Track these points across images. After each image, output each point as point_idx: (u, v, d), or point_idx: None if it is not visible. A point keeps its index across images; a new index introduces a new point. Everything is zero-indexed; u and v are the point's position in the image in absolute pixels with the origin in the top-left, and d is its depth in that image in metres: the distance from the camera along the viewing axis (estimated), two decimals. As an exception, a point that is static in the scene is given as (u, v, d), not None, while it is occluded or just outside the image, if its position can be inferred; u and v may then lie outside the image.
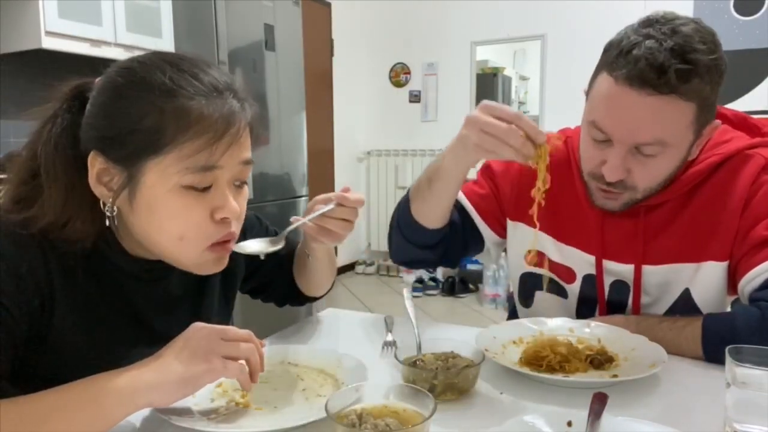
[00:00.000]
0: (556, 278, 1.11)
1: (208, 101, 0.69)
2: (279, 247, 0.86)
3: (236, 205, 0.74)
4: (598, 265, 1.05)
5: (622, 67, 0.86)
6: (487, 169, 1.19)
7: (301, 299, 1.10)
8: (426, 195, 1.06)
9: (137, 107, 0.68)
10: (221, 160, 0.70)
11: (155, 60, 0.72)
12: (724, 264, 0.98)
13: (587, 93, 0.97)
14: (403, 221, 1.12)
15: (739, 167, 0.97)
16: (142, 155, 0.68)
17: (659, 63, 0.83)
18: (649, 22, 0.88)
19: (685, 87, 0.84)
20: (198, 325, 0.70)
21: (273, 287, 1.08)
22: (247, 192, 0.78)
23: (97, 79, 0.74)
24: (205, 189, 0.71)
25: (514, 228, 1.15)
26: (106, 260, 0.76)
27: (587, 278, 1.07)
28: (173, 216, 0.71)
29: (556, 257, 1.10)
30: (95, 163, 0.70)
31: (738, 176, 0.96)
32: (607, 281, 1.06)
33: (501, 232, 1.18)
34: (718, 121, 0.94)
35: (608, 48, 0.91)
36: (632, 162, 0.91)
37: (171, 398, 0.65)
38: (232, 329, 0.72)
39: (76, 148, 0.72)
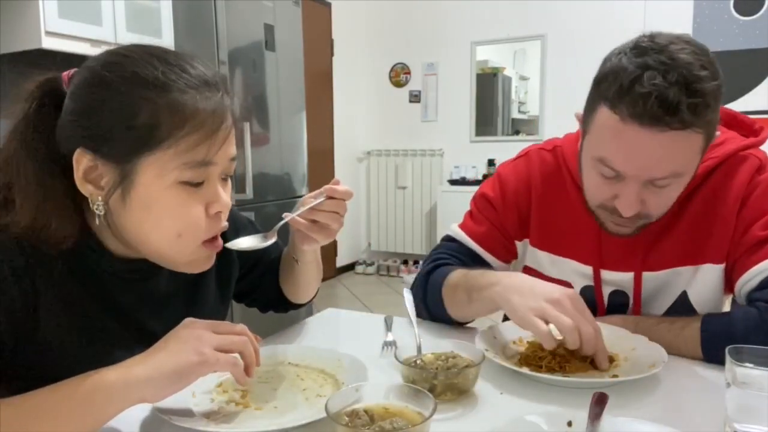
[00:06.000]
0: None
1: (200, 95, 0.69)
2: (271, 242, 0.86)
3: (227, 199, 0.74)
4: (596, 276, 1.05)
5: (627, 104, 0.82)
6: (482, 200, 1.16)
7: (285, 306, 1.09)
8: (465, 310, 1.04)
9: (131, 102, 0.66)
10: (217, 155, 0.70)
11: (141, 54, 0.70)
12: (721, 266, 0.98)
13: (583, 122, 0.93)
14: (435, 311, 1.09)
15: (734, 169, 0.97)
16: (137, 152, 0.67)
17: (670, 101, 0.79)
18: (642, 50, 0.83)
19: (698, 120, 0.81)
20: (190, 320, 0.69)
21: (259, 292, 1.08)
22: (230, 185, 0.78)
23: (72, 74, 0.72)
24: (199, 184, 0.71)
25: (524, 246, 1.15)
26: (88, 261, 0.74)
27: (585, 290, 1.07)
28: (171, 213, 0.70)
29: (552, 272, 1.10)
30: (82, 161, 0.68)
31: (733, 178, 0.96)
32: (606, 291, 1.06)
33: (508, 258, 1.17)
34: (717, 133, 0.92)
35: (603, 79, 0.86)
36: (646, 193, 0.89)
37: (164, 392, 0.65)
38: (224, 323, 0.72)
39: (50, 148, 0.70)
